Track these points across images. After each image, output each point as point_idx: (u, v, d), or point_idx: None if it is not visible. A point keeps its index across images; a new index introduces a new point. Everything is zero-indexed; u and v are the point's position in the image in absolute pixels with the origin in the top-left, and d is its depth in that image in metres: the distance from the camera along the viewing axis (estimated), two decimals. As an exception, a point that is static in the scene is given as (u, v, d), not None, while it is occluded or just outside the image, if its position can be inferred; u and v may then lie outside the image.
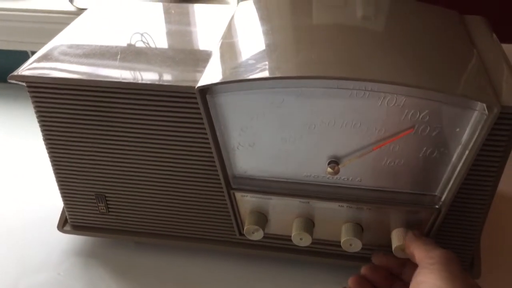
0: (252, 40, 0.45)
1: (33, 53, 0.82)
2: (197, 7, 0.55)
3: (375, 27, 0.46)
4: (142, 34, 0.48)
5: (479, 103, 0.36)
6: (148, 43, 0.47)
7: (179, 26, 0.51)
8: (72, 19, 0.55)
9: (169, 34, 0.49)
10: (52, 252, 0.53)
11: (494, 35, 0.47)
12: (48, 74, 0.42)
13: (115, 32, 0.49)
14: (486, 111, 0.36)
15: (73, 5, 0.76)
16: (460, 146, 0.38)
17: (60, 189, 0.49)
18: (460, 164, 0.39)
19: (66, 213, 0.51)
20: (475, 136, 0.37)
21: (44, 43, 0.49)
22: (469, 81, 0.38)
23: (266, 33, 0.45)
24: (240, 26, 0.48)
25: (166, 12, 0.54)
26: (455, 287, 0.33)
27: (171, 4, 0.56)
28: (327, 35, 0.44)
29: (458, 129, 0.38)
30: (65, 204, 0.50)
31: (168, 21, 0.52)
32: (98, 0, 0.79)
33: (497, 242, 0.53)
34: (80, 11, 0.75)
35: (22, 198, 0.61)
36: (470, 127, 0.37)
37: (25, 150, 0.69)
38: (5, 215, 0.58)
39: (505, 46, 0.47)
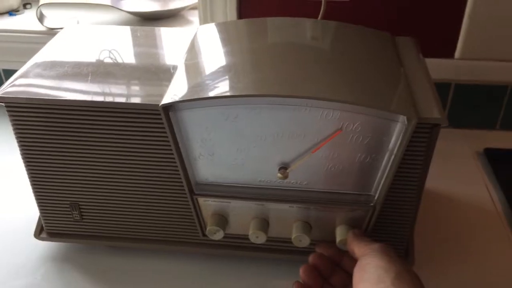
0: (210, 61, 0.50)
1: (4, 71, 0.86)
2: (162, 30, 0.60)
3: (319, 49, 0.53)
4: (111, 56, 0.53)
5: (400, 115, 0.43)
6: (117, 64, 0.52)
7: (145, 49, 0.56)
8: (43, 39, 0.59)
9: (136, 55, 0.54)
10: (28, 259, 0.56)
11: (420, 54, 0.54)
12: (25, 95, 0.47)
13: (86, 53, 0.54)
14: (406, 122, 0.43)
15: (44, 25, 0.80)
16: (387, 152, 0.45)
17: (37, 199, 0.53)
18: (388, 168, 0.45)
19: (42, 222, 0.55)
20: (398, 144, 0.44)
21: (14, 61, 0.52)
22: (393, 97, 0.45)
23: (223, 55, 0.51)
24: (200, 48, 0.53)
25: (133, 35, 0.59)
26: (395, 266, 0.39)
27: (138, 28, 0.61)
28: (276, 58, 0.50)
29: (385, 138, 0.44)
30: (41, 213, 0.54)
31: (135, 43, 0.57)
32: (67, 21, 0.84)
33: (430, 235, 0.59)
34: (50, 31, 0.79)
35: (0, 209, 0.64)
36: (395, 136, 0.44)
37: (1, 164, 0.72)
38: (-17, 225, 0.61)
39: (431, 60, 0.54)
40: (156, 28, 0.61)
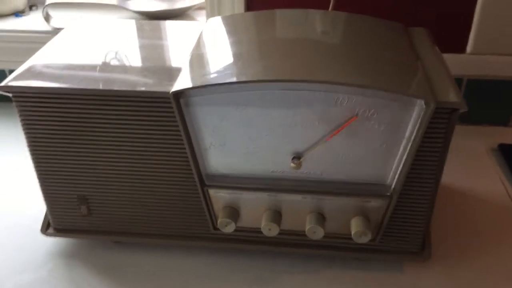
0: (220, 51, 0.49)
1: (10, 71, 0.86)
2: (168, 24, 0.60)
3: (332, 39, 0.52)
4: (118, 48, 0.53)
5: (418, 100, 0.42)
6: (126, 55, 0.51)
7: (153, 41, 0.55)
8: (49, 39, 0.58)
9: (144, 47, 0.54)
10: (35, 254, 0.55)
11: (435, 44, 0.53)
12: (32, 84, 0.46)
13: (93, 46, 0.53)
14: (424, 107, 0.41)
15: (50, 25, 0.80)
16: (404, 140, 0.44)
17: (44, 193, 0.52)
18: (405, 156, 0.44)
19: (49, 217, 0.54)
20: (416, 130, 0.42)
21: (22, 62, 0.52)
22: (410, 82, 0.44)
23: (233, 45, 0.50)
24: (209, 39, 0.53)
25: (140, 28, 0.58)
26: None
27: (144, 21, 0.61)
28: (287, 46, 0.49)
29: (402, 124, 0.43)
30: (48, 208, 0.53)
31: (142, 36, 0.57)
32: (73, 21, 0.83)
33: (446, 230, 0.58)
34: (57, 30, 0.79)
35: (6, 205, 0.63)
36: (412, 121, 0.43)
37: (7, 160, 0.71)
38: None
39: (443, 55, 0.53)
40: (162, 22, 0.60)
